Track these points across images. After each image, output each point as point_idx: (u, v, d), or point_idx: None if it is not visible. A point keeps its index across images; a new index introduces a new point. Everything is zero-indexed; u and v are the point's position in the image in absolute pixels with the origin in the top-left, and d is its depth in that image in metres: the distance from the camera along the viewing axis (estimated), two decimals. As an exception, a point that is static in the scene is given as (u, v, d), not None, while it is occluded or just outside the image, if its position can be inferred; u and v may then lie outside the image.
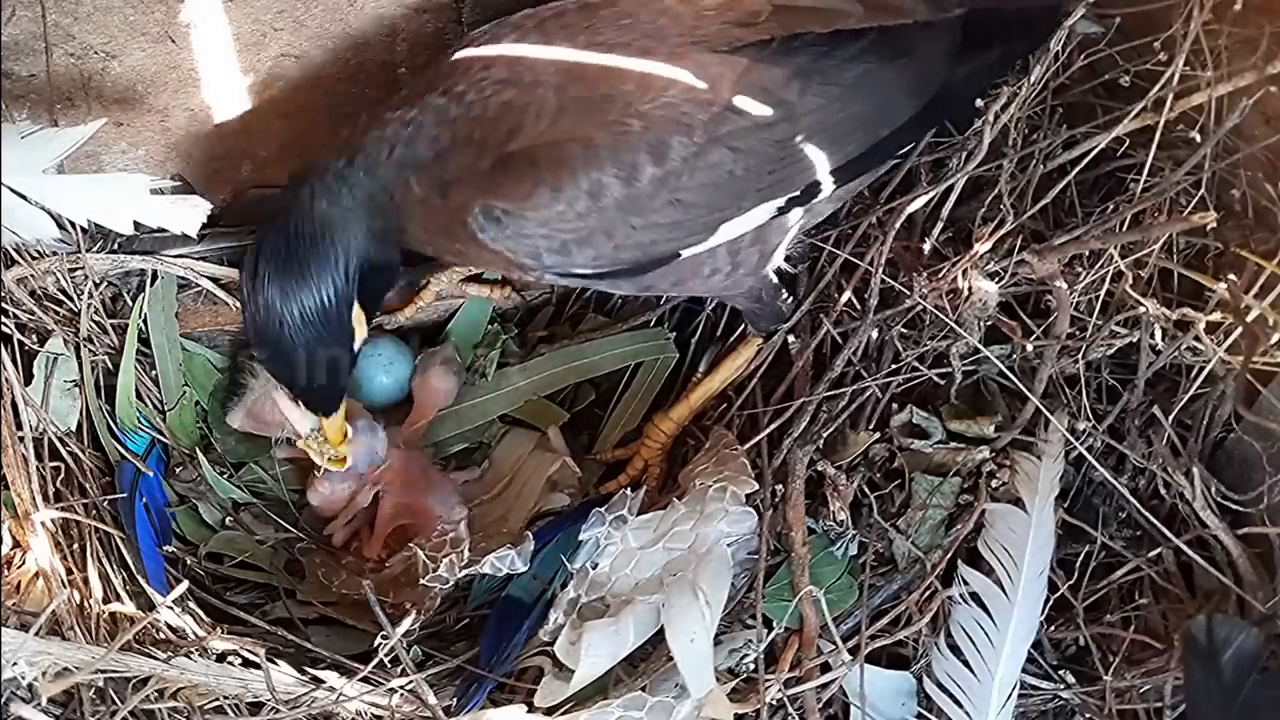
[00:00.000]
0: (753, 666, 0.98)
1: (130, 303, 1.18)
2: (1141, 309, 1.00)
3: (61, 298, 1.15)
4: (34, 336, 1.12)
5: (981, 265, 1.04)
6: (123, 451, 1.13)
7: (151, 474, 1.13)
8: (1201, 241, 1.08)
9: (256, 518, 1.19)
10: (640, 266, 1.00)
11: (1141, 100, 1.02)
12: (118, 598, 1.01)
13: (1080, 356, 1.05)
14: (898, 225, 1.09)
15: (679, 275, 1.03)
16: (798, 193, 1.00)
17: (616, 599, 1.00)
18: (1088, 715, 1.01)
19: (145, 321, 1.18)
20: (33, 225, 1.08)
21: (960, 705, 0.97)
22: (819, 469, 1.05)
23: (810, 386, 1.10)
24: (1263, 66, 0.99)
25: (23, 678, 0.87)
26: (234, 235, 1.21)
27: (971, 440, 1.05)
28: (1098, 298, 1.04)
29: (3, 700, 0.87)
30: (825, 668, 0.98)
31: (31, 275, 1.13)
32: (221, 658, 0.95)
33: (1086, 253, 1.03)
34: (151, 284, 1.18)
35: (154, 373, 1.19)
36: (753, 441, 1.08)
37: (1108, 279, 1.03)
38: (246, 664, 0.94)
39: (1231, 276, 0.97)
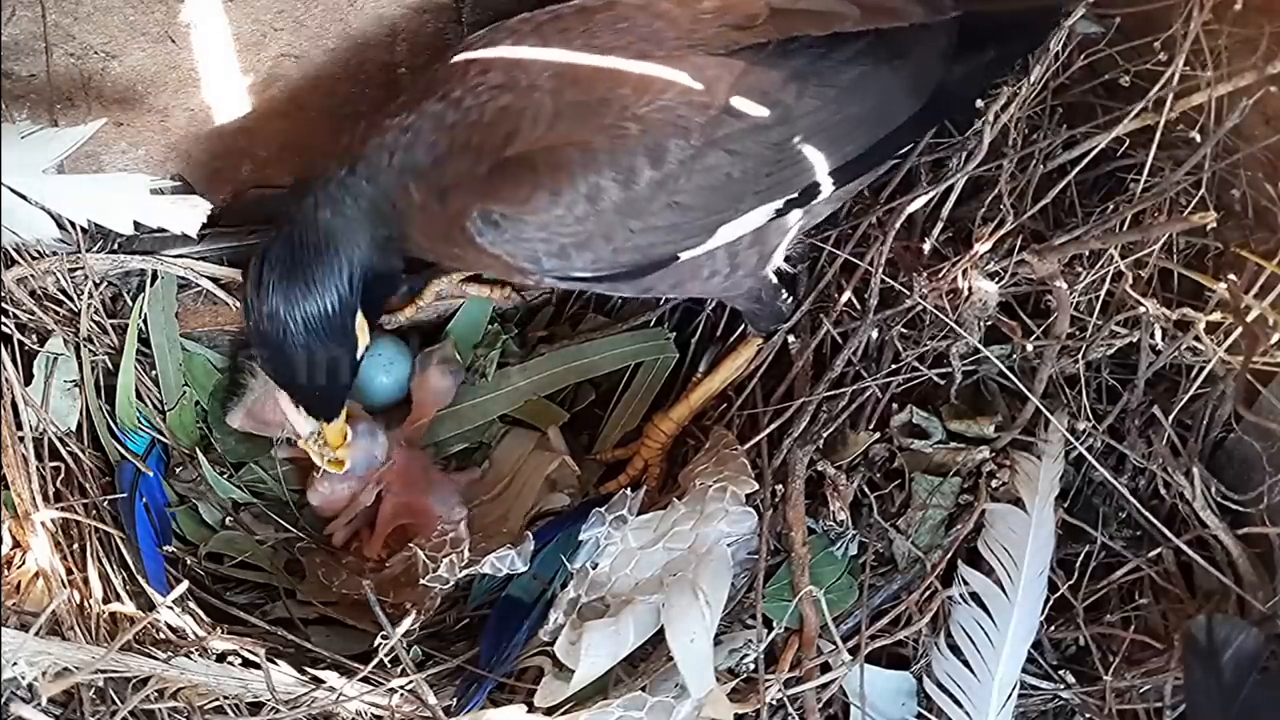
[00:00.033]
0: (753, 666, 0.98)
1: (130, 303, 1.18)
2: (1141, 309, 1.00)
3: (61, 298, 1.15)
4: (34, 336, 1.12)
5: (981, 265, 1.04)
6: (123, 451, 1.13)
7: (151, 474, 1.13)
8: (1201, 241, 1.08)
9: (256, 518, 1.20)
10: (639, 269, 1.00)
11: (1141, 100, 1.02)
12: (118, 598, 1.01)
13: (1080, 356, 1.05)
14: (898, 225, 1.09)
15: (678, 277, 1.03)
16: (796, 195, 1.00)
17: (616, 599, 1.00)
18: (1088, 715, 1.01)
19: (145, 321, 1.18)
20: (33, 225, 1.08)
21: (960, 705, 0.97)
22: (819, 469, 1.05)
23: (810, 386, 1.10)
24: (1263, 66, 0.99)
25: (23, 678, 0.87)
26: (234, 235, 1.21)
27: (971, 440, 1.05)
28: (1098, 298, 1.04)
29: (3, 700, 0.87)
30: (825, 668, 0.98)
31: (31, 275, 1.13)
32: (221, 658, 0.95)
33: (1086, 253, 1.03)
34: (151, 284, 1.18)
35: (154, 373, 1.19)
36: (753, 441, 1.08)
37: (1108, 279, 1.03)
38: (246, 664, 0.94)
39: (1231, 276, 0.97)
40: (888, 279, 1.07)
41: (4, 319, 1.09)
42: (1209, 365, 1.00)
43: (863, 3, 1.00)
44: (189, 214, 1.07)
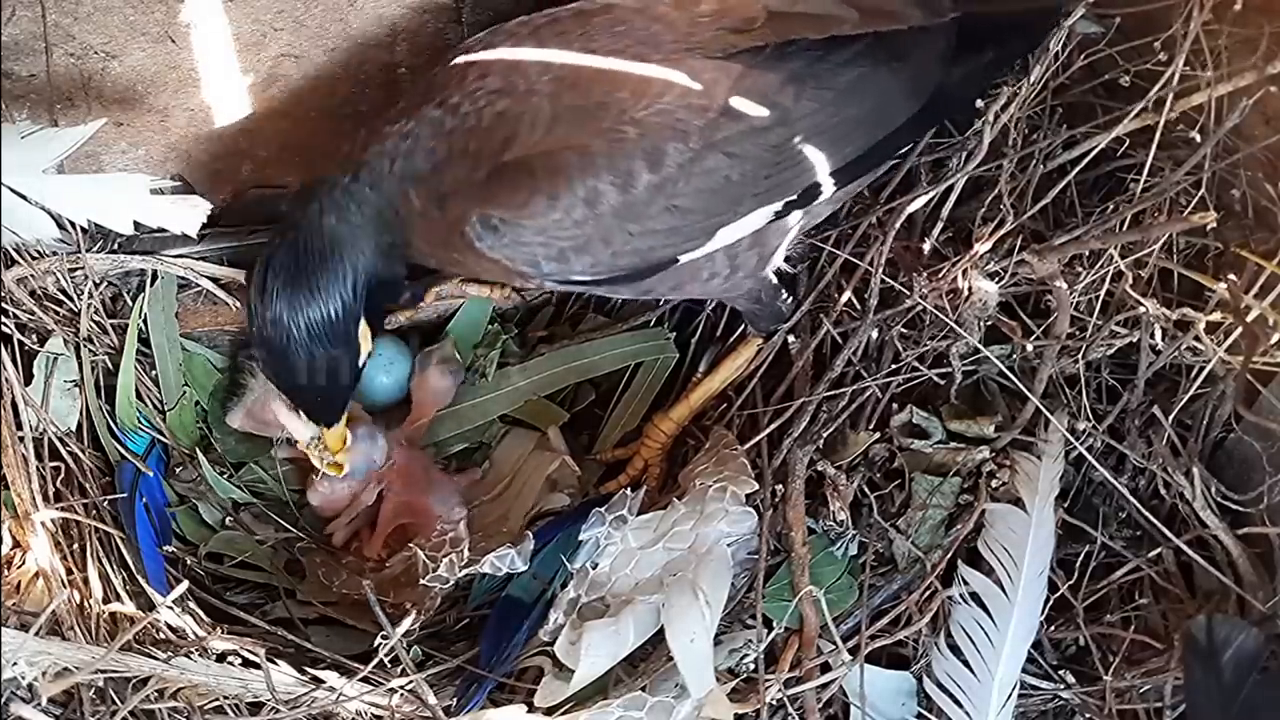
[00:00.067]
0: (753, 666, 0.98)
1: (130, 303, 1.18)
2: (1141, 309, 1.00)
3: (61, 298, 1.15)
4: (34, 336, 1.12)
5: (981, 265, 1.04)
6: (123, 451, 1.13)
7: (151, 474, 1.13)
8: (1201, 241, 1.08)
9: (256, 518, 1.19)
10: (638, 272, 1.00)
11: (1141, 100, 1.02)
12: (118, 598, 1.01)
13: (1080, 356, 1.05)
14: (898, 225, 1.09)
15: (677, 280, 1.03)
16: (795, 196, 1.00)
17: (616, 599, 1.00)
18: (1088, 715, 1.01)
19: (145, 321, 1.18)
20: (33, 225, 1.08)
21: (960, 705, 0.97)
22: (819, 469, 1.05)
23: (810, 386, 1.10)
24: (1263, 66, 0.99)
25: (23, 678, 0.87)
26: (234, 235, 1.21)
27: (971, 440, 1.05)
28: (1098, 298, 1.04)
29: (3, 700, 0.87)
30: (825, 668, 0.98)
31: (31, 275, 1.13)
32: (221, 658, 0.95)
33: (1086, 253, 1.03)
34: (151, 284, 1.18)
35: (154, 373, 1.19)
36: (753, 441, 1.08)
37: (1108, 279, 1.03)
38: (246, 664, 0.94)
39: (1231, 276, 0.97)
40: (888, 279, 1.07)
41: (4, 319, 1.09)
42: (1209, 365, 1.00)
43: (861, 6, 1.00)
44: (189, 214, 1.07)
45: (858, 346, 1.09)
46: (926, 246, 1.08)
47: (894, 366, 1.08)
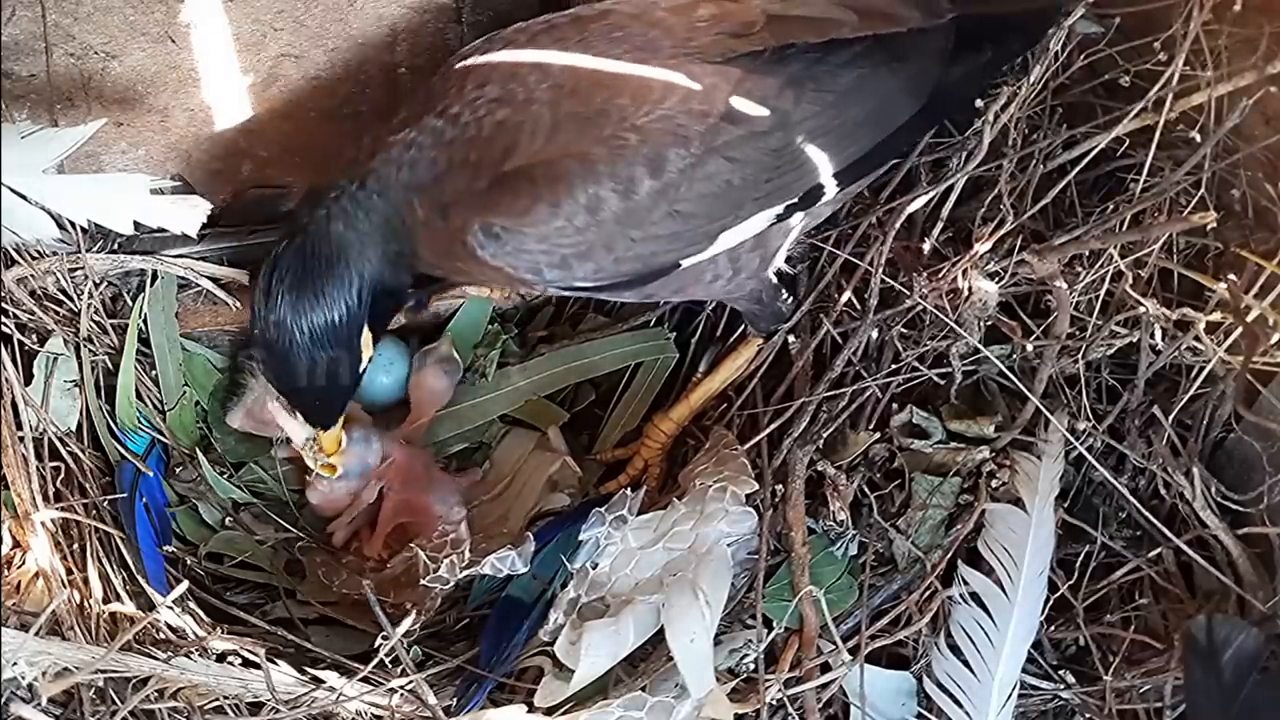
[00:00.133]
0: (753, 666, 0.98)
1: (130, 303, 1.18)
2: (1141, 309, 1.00)
3: (61, 298, 1.15)
4: (34, 336, 1.12)
5: (981, 265, 1.04)
6: (123, 451, 1.13)
7: (151, 474, 1.13)
8: (1201, 241, 1.08)
9: (256, 518, 1.19)
10: (641, 278, 1.00)
11: (1141, 100, 1.03)
12: (118, 598, 1.01)
13: (1080, 356, 1.05)
14: (898, 225, 1.09)
15: (680, 283, 1.03)
16: (797, 199, 1.00)
17: (616, 599, 1.00)
18: (1088, 715, 1.01)
19: (145, 321, 1.18)
20: (33, 225, 1.08)
21: (960, 705, 0.97)
22: (819, 469, 1.05)
23: (810, 386, 1.10)
24: (1263, 66, 0.99)
25: (23, 678, 0.87)
26: (234, 235, 1.21)
27: (971, 440, 1.05)
28: (1098, 298, 1.04)
29: (3, 700, 0.87)
30: (825, 668, 0.98)
31: (31, 275, 1.13)
32: (221, 658, 0.95)
33: (1086, 253, 1.03)
34: (151, 284, 1.18)
35: (154, 373, 1.19)
36: (753, 441, 1.08)
37: (1108, 279, 1.03)
38: (246, 664, 0.94)
39: (1231, 276, 0.97)
40: (888, 279, 1.07)
41: (4, 319, 1.09)
42: (1209, 365, 1.00)
43: (859, 8, 1.00)
44: (189, 214, 1.07)
45: (858, 346, 1.09)
46: (926, 246, 1.08)
47: (894, 366, 1.08)
